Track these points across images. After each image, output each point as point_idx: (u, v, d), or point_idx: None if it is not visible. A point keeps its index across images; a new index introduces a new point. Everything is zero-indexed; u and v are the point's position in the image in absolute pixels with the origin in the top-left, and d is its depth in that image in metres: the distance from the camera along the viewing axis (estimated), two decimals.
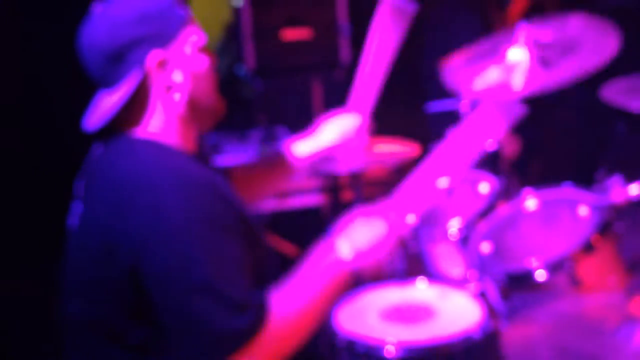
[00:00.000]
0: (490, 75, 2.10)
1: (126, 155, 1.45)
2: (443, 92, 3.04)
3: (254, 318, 1.34)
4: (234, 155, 3.83)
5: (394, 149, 2.65)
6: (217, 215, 1.38)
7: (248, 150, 3.84)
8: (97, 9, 1.48)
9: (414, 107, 3.51)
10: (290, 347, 1.43)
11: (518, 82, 2.03)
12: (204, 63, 1.51)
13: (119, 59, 1.43)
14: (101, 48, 1.43)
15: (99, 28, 1.44)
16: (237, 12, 4.42)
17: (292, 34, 4.18)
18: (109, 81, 1.46)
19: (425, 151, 2.41)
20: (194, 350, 1.34)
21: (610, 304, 1.48)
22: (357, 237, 1.47)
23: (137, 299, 1.39)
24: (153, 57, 1.43)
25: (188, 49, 1.48)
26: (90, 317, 1.46)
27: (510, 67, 2.12)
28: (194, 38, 1.49)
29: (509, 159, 3.14)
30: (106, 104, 1.46)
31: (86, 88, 1.54)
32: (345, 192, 3.40)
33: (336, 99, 4.11)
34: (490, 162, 2.24)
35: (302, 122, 4.17)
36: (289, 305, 1.42)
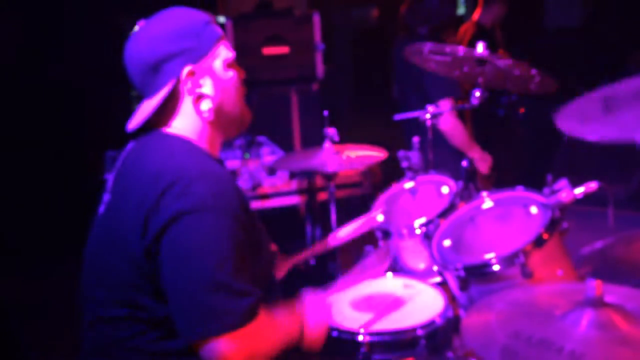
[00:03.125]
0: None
1: (160, 147, 1.49)
2: (406, 104, 3.08)
3: (253, 303, 1.37)
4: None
5: (364, 154, 2.65)
6: (233, 207, 1.41)
7: (232, 157, 3.83)
8: (140, 24, 1.52)
9: (382, 116, 3.53)
10: (263, 352, 1.43)
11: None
12: (232, 77, 1.55)
13: (157, 70, 1.48)
14: (141, 60, 1.48)
15: (141, 42, 1.50)
16: (220, 28, 4.39)
17: (272, 50, 4.17)
18: (148, 89, 1.51)
19: (392, 155, 2.43)
20: (192, 322, 1.35)
21: (559, 292, 1.48)
22: (310, 316, 1.58)
23: (153, 274, 1.39)
24: (186, 69, 1.48)
25: (218, 64, 1.53)
26: (114, 297, 1.45)
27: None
28: (224, 54, 1.54)
29: (483, 174, 3.18)
30: (145, 109, 1.50)
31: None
32: (320, 193, 3.41)
33: (312, 109, 4.13)
34: (468, 176, 2.28)
35: (281, 130, 4.18)
36: (271, 320, 1.46)
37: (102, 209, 1.55)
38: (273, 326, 1.46)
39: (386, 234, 2.24)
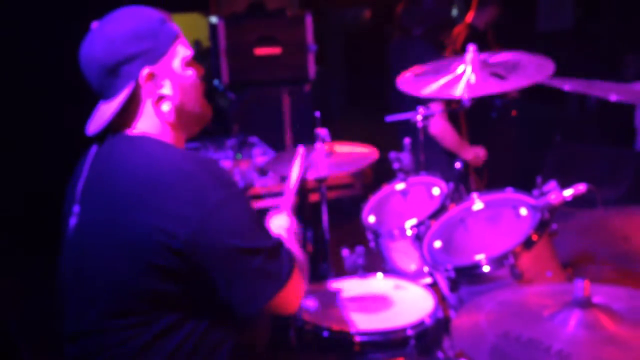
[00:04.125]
0: (437, 84, 2.14)
1: (135, 149, 1.47)
2: (400, 106, 3.09)
3: (288, 250, 1.48)
4: None
5: (355, 155, 2.66)
6: (238, 186, 1.46)
7: (223, 158, 3.83)
8: (94, 26, 1.49)
9: (374, 118, 3.54)
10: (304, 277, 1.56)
11: (461, 88, 2.08)
12: (191, 75, 1.54)
13: (115, 73, 1.45)
14: (99, 63, 1.45)
15: (97, 44, 1.46)
16: (213, 29, 4.40)
17: (264, 51, 4.18)
18: (106, 92, 1.48)
19: (383, 156, 2.44)
20: (254, 293, 1.43)
21: (548, 293, 1.50)
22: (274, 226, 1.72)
23: (183, 269, 1.41)
24: (145, 71, 1.46)
25: (176, 63, 1.51)
26: (109, 310, 1.45)
27: (456, 78, 2.15)
28: (182, 53, 1.51)
29: (473, 166, 3.20)
30: (105, 112, 1.47)
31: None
32: (311, 194, 3.42)
33: (304, 110, 4.14)
34: (461, 177, 2.31)
35: (272, 131, 4.19)
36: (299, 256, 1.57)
37: (73, 221, 1.51)
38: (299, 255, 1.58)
39: (377, 235, 2.26)
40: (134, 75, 1.45)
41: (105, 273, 1.43)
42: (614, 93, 1.42)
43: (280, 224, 1.75)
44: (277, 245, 1.46)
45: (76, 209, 1.51)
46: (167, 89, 1.49)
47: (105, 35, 1.46)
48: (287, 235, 1.70)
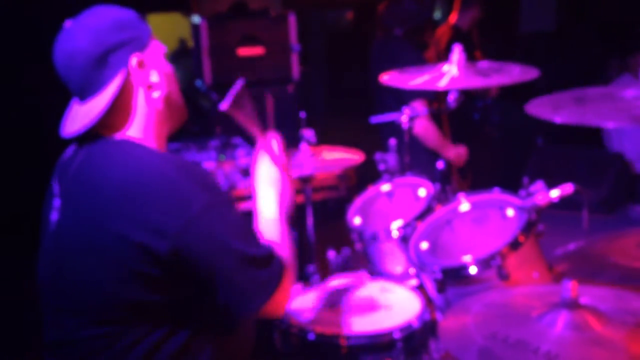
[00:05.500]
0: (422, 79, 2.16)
1: (118, 157, 1.43)
2: (383, 107, 3.10)
3: (277, 256, 1.45)
4: None
5: (340, 156, 2.66)
6: (221, 190, 1.44)
7: (207, 159, 3.81)
8: (68, 24, 1.46)
9: (358, 118, 3.54)
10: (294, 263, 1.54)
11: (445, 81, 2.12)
12: (170, 67, 1.55)
13: (103, 63, 1.42)
14: (85, 54, 1.42)
15: (80, 37, 1.42)
16: (195, 29, 4.38)
17: (247, 51, 4.17)
18: (92, 87, 1.44)
19: (368, 157, 2.44)
20: (249, 299, 1.41)
21: (535, 294, 1.51)
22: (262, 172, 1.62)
23: (167, 278, 1.38)
24: (134, 59, 1.45)
25: (158, 54, 1.51)
26: (90, 318, 1.42)
27: (440, 74, 2.18)
28: (159, 47, 1.53)
29: (455, 166, 3.21)
30: (92, 109, 1.43)
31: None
32: (297, 196, 3.40)
33: (287, 111, 4.13)
34: (444, 177, 2.32)
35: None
36: (274, 236, 1.53)
37: (54, 216, 1.48)
38: (285, 242, 1.53)
39: (363, 237, 2.25)
40: (123, 62, 1.43)
41: (84, 281, 1.40)
42: (610, 120, 1.42)
43: (267, 175, 1.62)
44: (266, 252, 1.43)
45: (57, 202, 1.48)
46: (155, 77, 1.49)
47: (88, 27, 1.43)
48: (281, 188, 1.60)
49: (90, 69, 1.42)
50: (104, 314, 1.40)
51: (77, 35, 1.43)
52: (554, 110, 1.45)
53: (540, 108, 1.48)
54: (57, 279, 1.46)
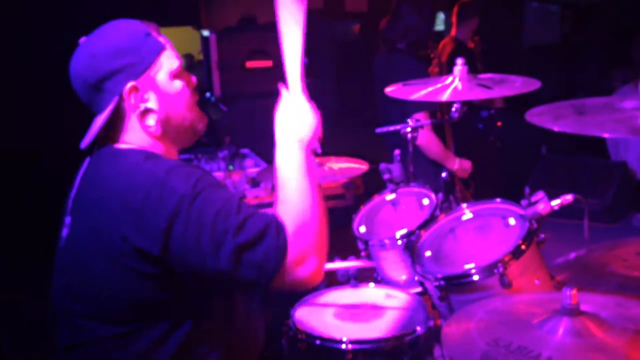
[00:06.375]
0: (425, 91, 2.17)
1: (116, 163, 1.46)
2: (388, 118, 3.11)
3: (279, 227, 1.36)
4: None
5: (346, 166, 2.68)
6: (212, 180, 1.42)
7: (215, 169, 3.83)
8: (81, 41, 1.49)
9: (364, 130, 3.56)
10: (313, 232, 1.40)
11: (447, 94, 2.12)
12: (178, 87, 1.51)
13: (99, 89, 1.45)
14: (83, 79, 1.46)
15: (81, 61, 1.47)
16: (205, 42, 4.41)
17: (255, 64, 4.20)
18: (95, 107, 1.48)
19: (374, 168, 2.46)
20: (249, 281, 1.35)
21: (537, 301, 1.51)
22: (293, 124, 1.48)
23: (169, 276, 1.39)
24: (128, 86, 1.45)
25: (161, 75, 1.49)
26: (101, 320, 1.45)
27: (444, 86, 2.18)
28: (167, 65, 1.50)
29: (463, 187, 3.22)
30: (94, 125, 1.48)
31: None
32: None
33: None
34: (447, 187, 2.32)
35: (264, 143, 4.19)
36: (288, 206, 1.41)
37: (64, 232, 1.51)
38: (297, 209, 1.41)
39: (368, 245, 2.26)
40: (117, 90, 1.45)
41: (96, 285, 1.43)
42: (607, 130, 1.41)
43: (297, 120, 1.46)
44: (258, 228, 1.34)
45: (67, 220, 1.51)
46: (152, 103, 1.48)
47: (87, 51, 1.46)
48: (310, 137, 1.47)
49: (89, 92, 1.47)
50: (117, 315, 1.43)
51: (80, 58, 1.47)
52: (553, 119, 1.46)
53: (540, 117, 1.49)
54: (71, 286, 1.50)
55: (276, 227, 1.36)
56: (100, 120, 1.45)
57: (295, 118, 1.47)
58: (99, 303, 1.45)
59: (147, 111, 1.48)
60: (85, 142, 1.48)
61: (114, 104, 1.45)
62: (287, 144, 1.46)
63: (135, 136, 1.50)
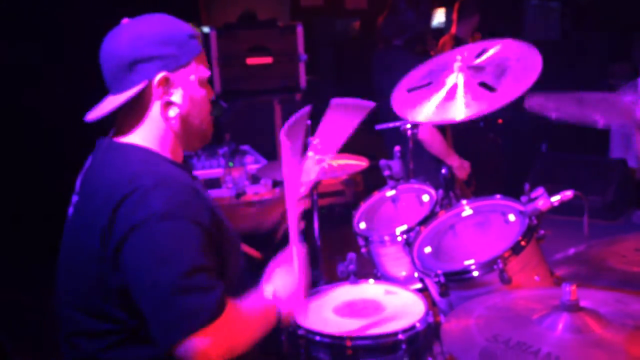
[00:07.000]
0: (432, 104, 2.12)
1: (117, 156, 1.49)
2: (387, 115, 3.11)
3: (219, 297, 1.37)
4: (203, 169, 3.81)
5: (346, 162, 2.67)
6: (193, 212, 1.41)
7: (216, 166, 3.83)
8: (124, 22, 1.52)
9: (364, 126, 3.55)
10: (239, 342, 1.44)
11: (459, 108, 2.03)
12: (202, 94, 1.56)
13: (131, 69, 1.46)
14: (119, 55, 1.47)
15: (122, 38, 1.48)
16: (205, 39, 4.40)
17: (255, 60, 4.19)
18: (117, 85, 1.49)
19: (374, 164, 2.45)
20: (165, 328, 1.35)
21: (536, 297, 1.51)
22: (276, 282, 1.58)
23: (121, 286, 1.40)
24: (160, 75, 1.47)
25: (193, 78, 1.53)
26: (87, 310, 1.46)
27: (450, 94, 2.13)
28: (200, 71, 1.54)
29: (462, 182, 3.22)
30: (109, 103, 1.49)
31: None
32: (304, 201, 3.41)
33: None
34: (447, 183, 2.31)
35: (264, 139, 4.20)
36: (239, 310, 1.45)
37: (70, 211, 1.55)
38: (244, 314, 1.46)
39: (368, 241, 2.26)
40: (149, 75, 1.47)
41: (85, 276, 1.45)
42: (601, 119, 1.42)
43: (283, 283, 1.58)
44: (209, 284, 1.36)
45: (74, 199, 1.55)
46: (177, 97, 1.51)
47: (134, 31, 1.48)
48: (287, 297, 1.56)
49: (120, 69, 1.47)
50: (102, 308, 1.44)
51: (122, 36, 1.48)
52: (549, 101, 1.45)
53: (538, 99, 1.48)
54: (66, 275, 1.52)
55: (219, 298, 1.37)
56: (121, 99, 1.47)
57: (280, 275, 1.59)
58: (86, 294, 1.46)
59: (170, 103, 1.51)
60: (93, 116, 1.49)
61: (141, 86, 1.47)
62: (265, 290, 1.56)
63: (150, 126, 1.52)
